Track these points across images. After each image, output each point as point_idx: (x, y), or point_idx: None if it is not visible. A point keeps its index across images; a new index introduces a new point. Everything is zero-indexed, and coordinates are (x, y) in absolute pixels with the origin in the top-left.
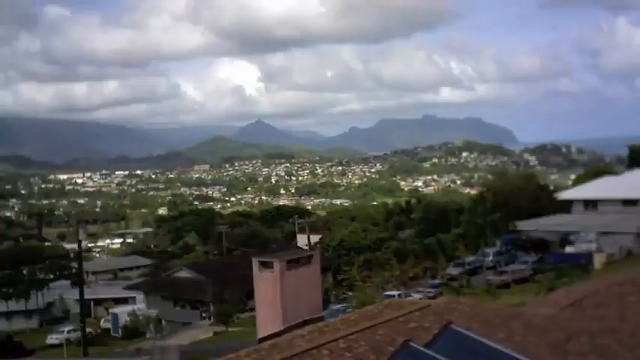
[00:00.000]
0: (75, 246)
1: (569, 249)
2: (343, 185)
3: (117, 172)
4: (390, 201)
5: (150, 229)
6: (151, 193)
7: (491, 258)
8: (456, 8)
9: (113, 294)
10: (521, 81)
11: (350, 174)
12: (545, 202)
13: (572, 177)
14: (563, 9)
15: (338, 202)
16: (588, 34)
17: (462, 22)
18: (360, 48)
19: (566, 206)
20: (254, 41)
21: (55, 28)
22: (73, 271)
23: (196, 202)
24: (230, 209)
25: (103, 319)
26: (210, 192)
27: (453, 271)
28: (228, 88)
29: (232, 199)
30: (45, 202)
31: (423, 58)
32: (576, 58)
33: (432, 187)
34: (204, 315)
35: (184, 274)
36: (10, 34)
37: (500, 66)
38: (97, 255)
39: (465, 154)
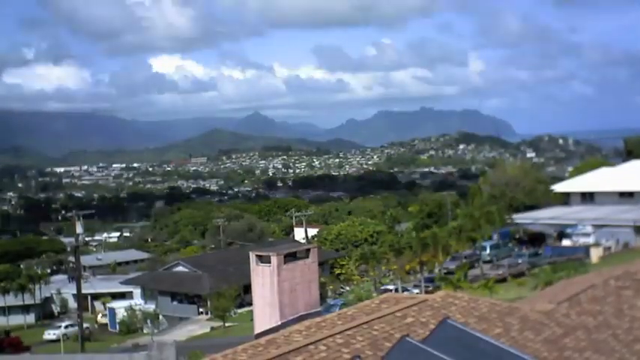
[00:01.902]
0: (72, 240)
1: (566, 242)
2: (340, 178)
3: (114, 165)
4: (387, 194)
5: (147, 223)
6: (148, 185)
7: (488, 252)
8: None
9: (111, 289)
10: (520, 71)
11: (347, 166)
12: (543, 195)
13: (570, 169)
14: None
15: (335, 194)
16: (587, 26)
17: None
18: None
19: (564, 198)
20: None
21: (46, 21)
22: (71, 265)
23: (193, 195)
24: (227, 202)
25: (100, 314)
26: (207, 185)
27: (450, 265)
28: (224, 79)
29: (229, 192)
30: (42, 195)
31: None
32: (574, 50)
33: (429, 180)
34: (201, 310)
35: (181, 268)
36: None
37: (498, 56)
38: (95, 249)
39: (462, 145)
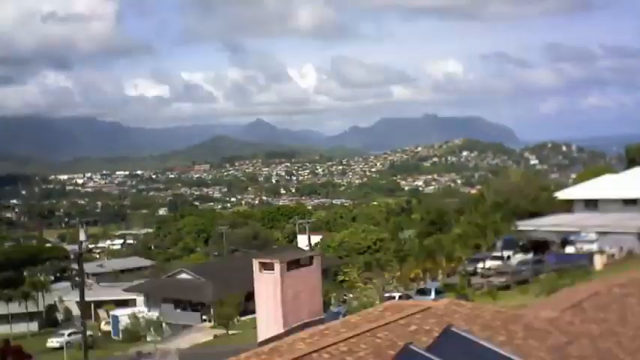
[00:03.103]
0: (76, 247)
1: (569, 249)
2: (344, 185)
3: (117, 173)
4: (390, 200)
5: (150, 230)
6: (152, 193)
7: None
8: None
9: (114, 296)
10: (522, 79)
11: (350, 173)
12: (546, 202)
13: (573, 176)
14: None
15: (338, 201)
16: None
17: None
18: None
19: (567, 205)
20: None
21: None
22: (74, 272)
23: (197, 203)
24: (230, 209)
25: (103, 322)
26: (210, 192)
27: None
28: (227, 86)
29: (233, 199)
30: (45, 202)
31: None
32: (576, 57)
33: (432, 187)
34: (204, 317)
35: (185, 275)
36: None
37: (500, 63)
38: (98, 256)
39: (465, 153)
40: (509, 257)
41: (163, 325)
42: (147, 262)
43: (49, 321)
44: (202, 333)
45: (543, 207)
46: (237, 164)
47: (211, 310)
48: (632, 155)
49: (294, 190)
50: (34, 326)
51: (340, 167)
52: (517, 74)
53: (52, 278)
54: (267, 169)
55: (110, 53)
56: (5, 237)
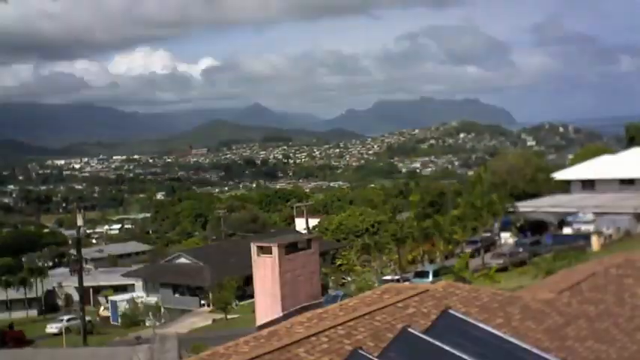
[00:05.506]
0: (73, 232)
1: (567, 230)
2: (341, 167)
3: (114, 157)
4: (388, 183)
5: (148, 215)
6: (149, 177)
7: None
8: None
9: (112, 281)
10: (519, 60)
11: (348, 156)
12: (543, 183)
13: (570, 157)
14: None
15: (336, 184)
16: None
17: None
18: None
19: (564, 186)
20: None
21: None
22: (72, 258)
23: (194, 187)
24: (228, 193)
25: (102, 307)
26: (208, 176)
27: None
28: (223, 70)
29: (230, 182)
30: (43, 188)
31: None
32: (573, 36)
33: (429, 169)
34: (203, 302)
35: (183, 260)
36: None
37: (498, 45)
38: (96, 241)
39: (462, 135)
40: (506, 239)
41: (162, 309)
42: (145, 247)
43: (48, 307)
44: (201, 317)
45: (541, 188)
46: (234, 148)
47: (210, 294)
48: (631, 134)
49: (291, 174)
50: (33, 312)
51: (337, 150)
52: (514, 56)
53: (51, 264)
54: (264, 152)
55: (106, 40)
56: (3, 223)
